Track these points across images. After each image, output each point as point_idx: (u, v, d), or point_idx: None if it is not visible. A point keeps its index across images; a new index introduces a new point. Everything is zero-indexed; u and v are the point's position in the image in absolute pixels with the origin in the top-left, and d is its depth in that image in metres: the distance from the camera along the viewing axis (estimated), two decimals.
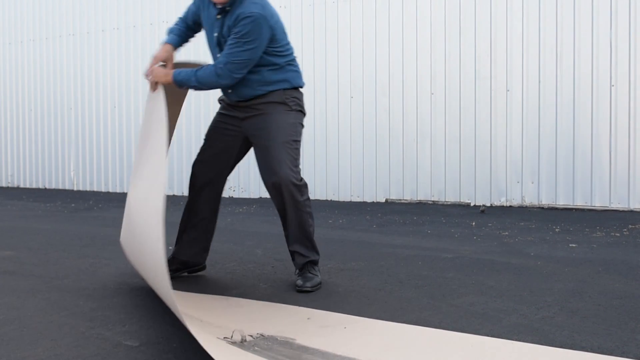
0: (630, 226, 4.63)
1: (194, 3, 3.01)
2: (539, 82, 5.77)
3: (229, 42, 2.74)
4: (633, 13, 5.43)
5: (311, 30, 6.81)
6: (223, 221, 4.58)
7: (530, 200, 5.84)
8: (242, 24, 2.70)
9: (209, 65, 2.81)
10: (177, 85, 2.81)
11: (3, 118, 9.15)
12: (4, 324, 2.41)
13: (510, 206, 5.87)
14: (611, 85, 5.51)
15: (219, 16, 2.83)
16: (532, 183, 5.83)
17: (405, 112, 6.36)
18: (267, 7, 2.81)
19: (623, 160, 5.49)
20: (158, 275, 2.23)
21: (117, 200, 7.09)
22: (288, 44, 2.94)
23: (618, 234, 4.31)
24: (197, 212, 3.07)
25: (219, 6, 2.80)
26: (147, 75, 2.85)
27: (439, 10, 6.18)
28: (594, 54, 5.56)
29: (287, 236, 2.99)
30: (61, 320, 2.45)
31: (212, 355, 1.86)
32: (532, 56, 5.79)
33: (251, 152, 3.07)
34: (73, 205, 6.73)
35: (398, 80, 6.38)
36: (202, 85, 2.77)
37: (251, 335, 2.19)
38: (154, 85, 2.80)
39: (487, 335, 2.22)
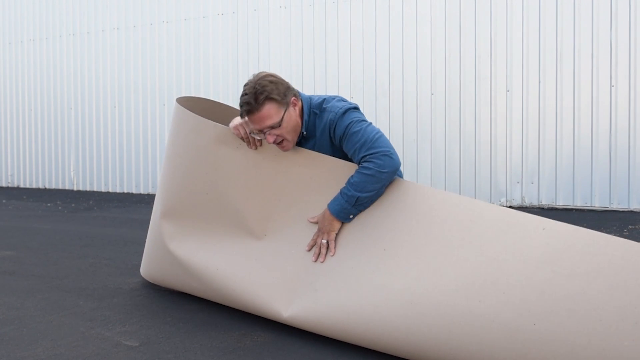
0: (630, 226, 4.62)
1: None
2: (539, 82, 5.77)
3: (352, 149, 2.24)
4: (633, 13, 5.43)
5: (311, 30, 6.81)
6: None
7: (530, 200, 5.84)
8: (339, 129, 2.27)
9: (356, 171, 2.21)
10: (343, 218, 2.22)
11: (3, 118, 9.16)
12: (4, 324, 2.41)
13: (510, 206, 5.86)
14: (611, 86, 5.51)
15: None
16: (532, 183, 5.83)
17: (405, 113, 6.36)
18: (338, 102, 2.35)
19: (623, 160, 5.49)
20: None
21: (117, 200, 7.09)
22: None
23: (618, 235, 4.30)
24: None
25: None
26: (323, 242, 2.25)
27: (439, 10, 6.19)
28: (594, 54, 5.56)
29: None
30: (61, 320, 2.45)
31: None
32: (532, 56, 5.79)
33: None
34: (73, 205, 6.72)
35: (398, 80, 6.38)
36: (371, 190, 2.16)
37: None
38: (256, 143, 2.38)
39: None
